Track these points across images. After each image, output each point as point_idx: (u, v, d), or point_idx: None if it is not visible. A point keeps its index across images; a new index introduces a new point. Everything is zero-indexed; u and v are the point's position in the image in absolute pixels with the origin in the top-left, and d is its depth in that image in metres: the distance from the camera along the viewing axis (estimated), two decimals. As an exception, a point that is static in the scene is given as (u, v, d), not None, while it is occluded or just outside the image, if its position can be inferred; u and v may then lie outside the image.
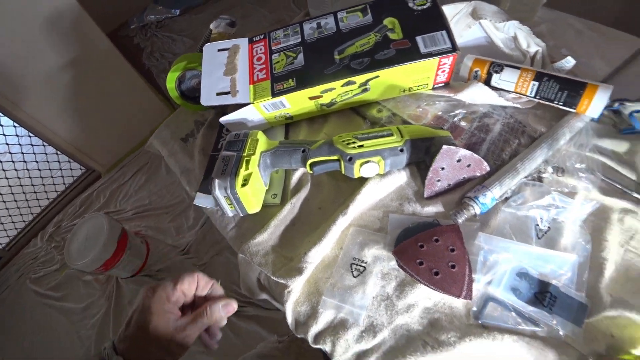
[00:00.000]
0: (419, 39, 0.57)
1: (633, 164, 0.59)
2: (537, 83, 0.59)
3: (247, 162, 0.56)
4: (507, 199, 0.55)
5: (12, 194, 1.54)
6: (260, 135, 0.60)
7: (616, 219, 0.53)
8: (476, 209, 0.52)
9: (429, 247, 0.49)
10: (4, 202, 1.53)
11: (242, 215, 0.59)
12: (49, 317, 1.37)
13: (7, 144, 1.50)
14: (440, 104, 0.63)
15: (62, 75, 1.42)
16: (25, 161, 1.53)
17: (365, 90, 0.61)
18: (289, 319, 0.51)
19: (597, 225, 0.53)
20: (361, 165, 0.54)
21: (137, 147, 1.79)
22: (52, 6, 1.29)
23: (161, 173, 1.66)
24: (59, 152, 1.59)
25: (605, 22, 0.78)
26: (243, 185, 0.54)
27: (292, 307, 0.51)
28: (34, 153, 1.54)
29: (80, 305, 1.33)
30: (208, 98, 0.63)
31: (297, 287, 0.52)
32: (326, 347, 0.49)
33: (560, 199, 0.51)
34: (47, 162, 1.59)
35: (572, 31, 0.77)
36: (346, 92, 0.60)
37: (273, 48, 0.65)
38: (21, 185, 1.55)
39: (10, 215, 1.58)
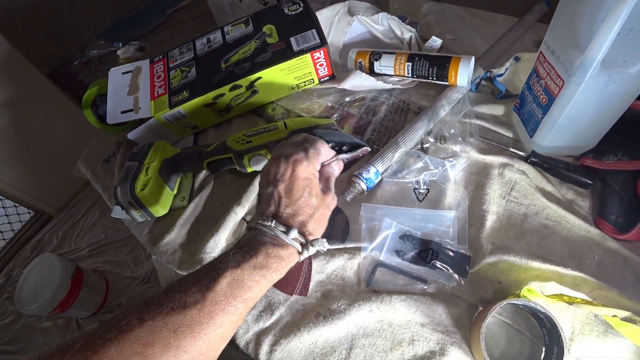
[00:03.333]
0: (292, 39, 0.62)
1: (509, 124, 0.63)
2: (410, 64, 0.63)
3: (147, 168, 0.59)
4: (394, 173, 0.58)
5: None
6: (163, 145, 0.63)
7: (496, 174, 0.57)
8: (362, 185, 0.55)
9: None
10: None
11: (149, 219, 0.61)
12: (9, 375, 1.32)
13: None
14: (331, 97, 0.68)
15: (1, 119, 1.42)
16: None
17: (254, 92, 0.64)
18: None
19: (479, 182, 0.56)
20: (249, 159, 0.57)
21: (88, 183, 1.78)
22: None
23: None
24: (2, 198, 1.55)
25: (484, 7, 0.85)
26: (142, 189, 0.56)
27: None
28: None
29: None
30: (113, 117, 0.66)
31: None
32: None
33: (432, 161, 0.54)
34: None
35: (455, 18, 0.84)
36: (237, 96, 0.64)
37: (170, 65, 0.69)
38: None
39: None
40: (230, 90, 0.63)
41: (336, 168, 0.47)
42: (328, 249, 0.52)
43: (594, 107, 0.49)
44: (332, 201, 0.44)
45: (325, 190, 0.44)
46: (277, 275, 0.38)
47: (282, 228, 0.38)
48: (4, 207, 1.59)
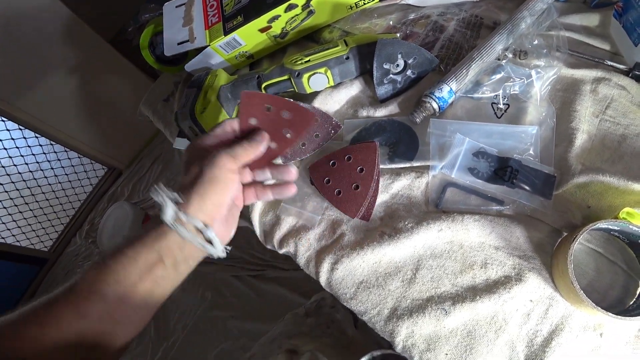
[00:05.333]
0: (350, -49, 0.56)
1: (606, 35, 0.54)
2: (487, -31, 0.56)
3: (205, 92, 0.58)
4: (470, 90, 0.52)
5: (47, 200, 1.68)
6: (220, 72, 0.62)
7: (588, 90, 0.49)
8: (434, 104, 0.50)
9: (339, 166, 0.48)
10: (42, 208, 1.68)
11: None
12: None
13: (37, 161, 1.63)
14: (393, 15, 0.62)
15: (73, 85, 1.54)
16: (53, 168, 1.67)
17: (311, 12, 0.60)
18: (257, 230, 0.52)
19: (566, 99, 0.50)
20: (309, 78, 0.54)
21: (150, 140, 1.91)
22: (56, 23, 1.40)
23: (175, 160, 1.75)
24: (81, 156, 1.72)
25: None
26: (201, 112, 0.56)
27: (258, 219, 0.52)
28: (59, 159, 1.68)
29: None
30: (170, 48, 0.66)
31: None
32: (289, 249, 0.49)
33: (514, 71, 0.48)
34: (72, 166, 1.73)
35: None
36: (293, 17, 0.60)
37: (222, -7, 0.67)
38: (54, 191, 1.70)
39: (49, 220, 1.73)
40: (286, 10, 0.59)
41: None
42: (394, 167, 0.49)
43: None
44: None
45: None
46: (145, 251, 0.33)
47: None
48: (82, 164, 1.77)
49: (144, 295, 0.33)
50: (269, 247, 0.52)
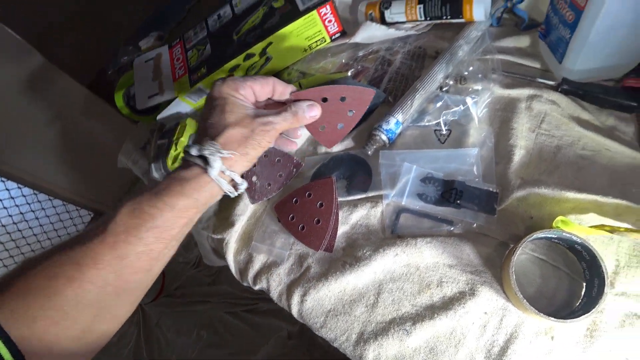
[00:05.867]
0: (297, 0, 0.61)
1: (537, 55, 0.58)
2: (422, 5, 0.60)
3: (176, 144, 0.62)
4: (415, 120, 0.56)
5: (33, 251, 1.62)
6: (189, 121, 0.66)
7: (524, 107, 0.53)
8: (383, 137, 0.54)
9: (301, 202, 0.52)
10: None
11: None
12: None
13: (21, 212, 1.60)
14: (344, 53, 0.66)
15: (54, 132, 1.55)
16: (38, 218, 1.63)
17: (268, 59, 0.65)
18: (232, 269, 0.56)
19: (504, 118, 0.53)
20: (268, 122, 0.58)
21: (136, 181, 1.92)
22: (27, 72, 1.43)
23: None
24: (65, 203, 1.70)
25: None
26: (173, 163, 0.60)
27: (232, 258, 0.56)
28: (43, 208, 1.64)
29: (113, 340, 1.43)
30: (142, 102, 0.71)
31: (232, 239, 0.56)
32: (263, 285, 0.52)
33: (451, 99, 0.52)
34: (57, 214, 1.71)
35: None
36: (252, 65, 0.65)
37: (187, 46, 0.72)
38: (39, 242, 1.64)
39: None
40: (244, 60, 0.64)
41: (281, 89, 0.44)
42: (351, 199, 0.53)
43: (630, 14, 0.43)
44: (260, 125, 0.39)
45: (257, 114, 0.40)
46: (183, 199, 0.35)
47: (190, 149, 0.37)
48: (67, 212, 1.76)
49: (177, 239, 0.37)
50: (245, 284, 0.55)
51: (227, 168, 0.37)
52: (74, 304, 0.31)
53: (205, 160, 0.36)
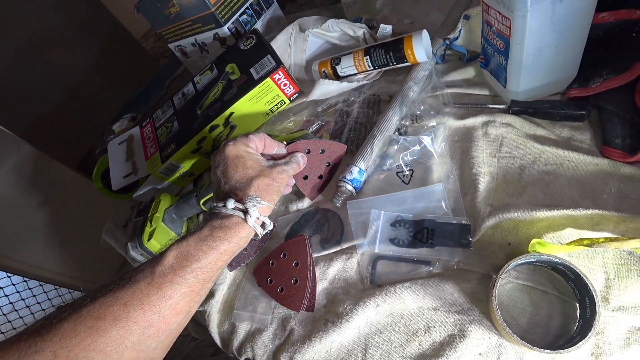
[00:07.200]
0: (252, 70, 0.65)
1: (484, 83, 0.60)
2: (368, 57, 0.64)
3: (151, 220, 0.63)
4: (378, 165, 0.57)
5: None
6: (164, 196, 0.67)
7: (480, 134, 0.54)
8: (348, 187, 0.54)
9: (277, 264, 0.52)
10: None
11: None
12: None
13: (10, 302, 1.56)
14: (305, 111, 0.69)
15: (43, 218, 1.57)
16: (29, 306, 1.56)
17: (233, 127, 0.68)
18: (217, 340, 0.54)
19: (464, 148, 0.54)
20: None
21: (125, 261, 1.91)
22: (20, 162, 1.48)
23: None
24: (58, 287, 1.66)
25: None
26: (149, 240, 0.60)
27: (216, 330, 0.54)
28: (34, 295, 1.58)
29: None
30: (118, 183, 0.73)
31: (214, 310, 0.54)
32: (248, 355, 0.50)
33: (407, 140, 0.53)
34: (49, 299, 1.65)
35: (409, 1, 0.83)
36: (218, 135, 0.68)
37: (157, 125, 0.75)
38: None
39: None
40: (210, 131, 0.66)
41: (277, 148, 0.52)
42: (326, 254, 0.52)
43: (552, 34, 0.46)
44: (278, 174, 0.46)
45: (270, 165, 0.47)
46: (225, 244, 0.39)
47: (222, 202, 0.42)
48: (59, 295, 1.71)
49: (212, 281, 0.40)
50: (231, 355, 0.53)
51: (260, 214, 0.42)
52: (117, 345, 0.32)
53: (244, 210, 0.41)
